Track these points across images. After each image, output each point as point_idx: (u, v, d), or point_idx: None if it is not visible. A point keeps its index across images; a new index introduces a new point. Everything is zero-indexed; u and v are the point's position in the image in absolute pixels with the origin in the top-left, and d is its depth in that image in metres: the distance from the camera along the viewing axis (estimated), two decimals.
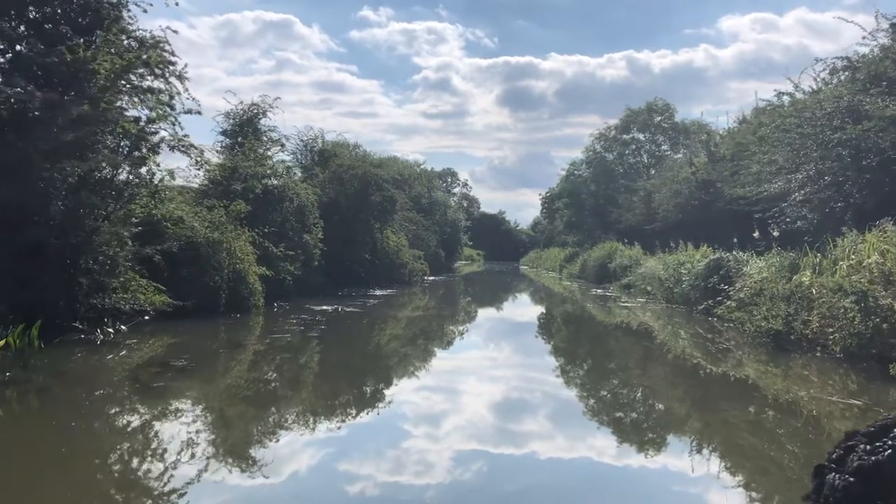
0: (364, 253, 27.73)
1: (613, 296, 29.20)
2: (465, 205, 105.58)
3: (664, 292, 24.31)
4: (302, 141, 32.67)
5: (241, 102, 26.34)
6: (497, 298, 33.06)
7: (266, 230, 18.43)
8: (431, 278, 40.07)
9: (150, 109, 14.57)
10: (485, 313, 25.47)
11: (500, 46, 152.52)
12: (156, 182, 14.83)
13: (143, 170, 14.71)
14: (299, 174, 31.31)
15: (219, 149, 23.17)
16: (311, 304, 19.60)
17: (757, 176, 22.46)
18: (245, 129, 25.95)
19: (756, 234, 17.62)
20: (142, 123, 14.29)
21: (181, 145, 14.56)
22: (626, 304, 24.75)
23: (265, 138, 26.77)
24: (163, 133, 15.11)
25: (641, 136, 58.50)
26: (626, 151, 58.77)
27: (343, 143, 35.27)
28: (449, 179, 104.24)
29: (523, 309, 28.38)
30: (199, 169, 18.36)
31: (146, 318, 13.79)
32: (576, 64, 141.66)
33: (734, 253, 20.08)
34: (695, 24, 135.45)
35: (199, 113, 14.86)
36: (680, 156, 53.44)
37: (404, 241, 34.07)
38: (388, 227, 31.69)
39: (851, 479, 3.67)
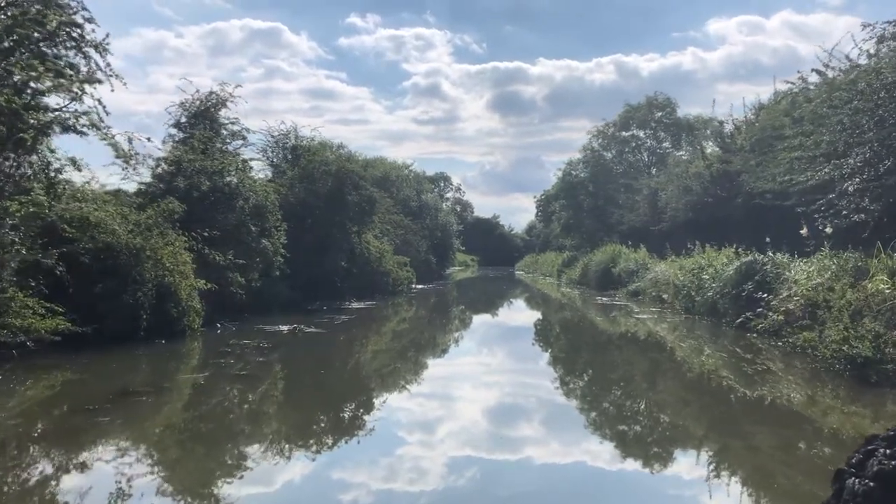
0: (340, 260, 24.46)
1: (621, 304, 26.02)
2: (459, 209, 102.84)
3: (682, 301, 21.16)
4: (273, 137, 29.34)
5: (198, 91, 23.23)
6: (494, 312, 29.84)
7: (207, 234, 15.10)
8: (420, 287, 36.83)
9: (37, 79, 11.35)
10: (482, 333, 22.26)
11: (488, 52, 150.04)
12: (51, 174, 11.61)
13: (34, 158, 11.52)
14: (269, 174, 28.17)
15: (163, 142, 19.85)
16: (265, 324, 16.28)
17: (789, 165, 19.36)
18: (202, 121, 22.79)
19: (804, 232, 14.49)
20: (26, 98, 11.10)
21: (79, 126, 11.33)
22: (639, 316, 21.54)
23: (224, 131, 23.66)
24: (70, 113, 11.98)
25: (641, 134, 55.57)
26: (626, 149, 55.88)
27: (326, 144, 31.63)
28: (442, 184, 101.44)
29: (524, 325, 25.18)
30: (126, 162, 15.20)
31: (29, 349, 10.53)
32: (565, 68, 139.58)
33: (770, 254, 16.92)
34: (682, 27, 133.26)
35: (99, 82, 11.67)
36: (682, 153, 50.56)
37: (387, 246, 30.78)
38: (369, 230, 28.42)
39: (871, 483, 3.53)
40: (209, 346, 13.43)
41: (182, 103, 22.98)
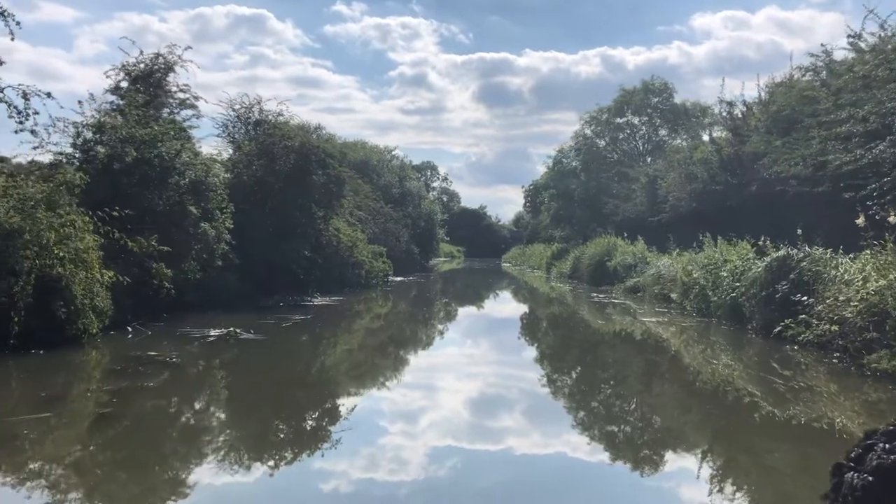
0: (303, 249, 21.45)
1: (621, 303, 23.26)
2: (445, 199, 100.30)
3: (694, 301, 18.42)
4: (234, 111, 26.18)
5: (142, 53, 20.22)
6: (479, 305, 27.04)
7: (118, 213, 12.01)
8: (399, 279, 33.91)
9: None
10: (463, 330, 19.42)
11: (474, 42, 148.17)
12: None
13: None
14: (231, 152, 25.15)
15: (79, 104, 16.63)
16: (196, 326, 13.24)
17: (823, 146, 16.66)
18: (146, 86, 19.75)
19: (860, 222, 11.79)
20: None
21: None
22: (644, 318, 18.77)
23: (172, 100, 20.64)
24: None
25: (636, 120, 52.86)
26: (620, 136, 53.21)
27: (304, 127, 27.92)
28: (428, 173, 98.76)
29: (511, 316, 22.41)
30: (21, 122, 12.24)
31: None
32: (551, 60, 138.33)
33: (806, 248, 14.15)
34: (668, 21, 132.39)
35: None
36: (679, 141, 47.92)
37: (361, 234, 27.76)
38: (339, 216, 25.43)
39: (870, 478, 3.49)
40: (100, 359, 10.39)
41: (124, 65, 20.03)
